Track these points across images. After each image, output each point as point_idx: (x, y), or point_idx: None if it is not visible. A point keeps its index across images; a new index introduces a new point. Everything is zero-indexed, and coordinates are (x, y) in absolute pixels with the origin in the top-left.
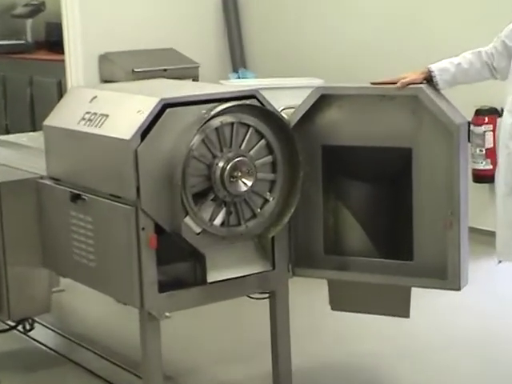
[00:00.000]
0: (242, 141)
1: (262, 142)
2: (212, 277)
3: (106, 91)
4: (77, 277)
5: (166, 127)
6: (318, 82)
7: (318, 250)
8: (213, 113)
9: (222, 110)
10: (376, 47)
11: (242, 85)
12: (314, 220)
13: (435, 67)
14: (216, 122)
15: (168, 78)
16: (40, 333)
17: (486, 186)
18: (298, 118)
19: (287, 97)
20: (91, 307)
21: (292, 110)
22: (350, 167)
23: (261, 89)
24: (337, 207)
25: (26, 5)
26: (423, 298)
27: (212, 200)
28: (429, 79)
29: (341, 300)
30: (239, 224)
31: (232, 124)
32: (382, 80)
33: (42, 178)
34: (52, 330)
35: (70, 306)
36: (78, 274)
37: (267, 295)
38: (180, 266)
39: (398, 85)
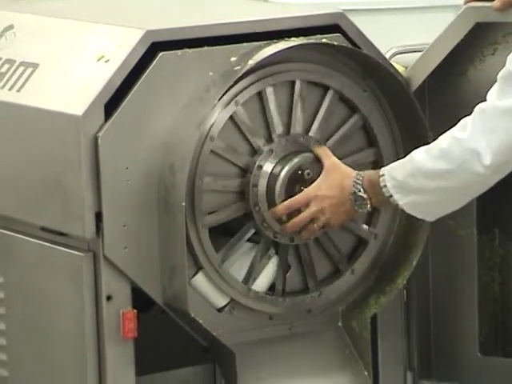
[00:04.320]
0: (313, 119)
1: (355, 121)
2: None
3: (31, 15)
4: None
5: (155, 90)
6: None
7: (467, 347)
8: (252, 62)
9: (270, 57)
10: None
11: (310, 4)
12: (458, 286)
13: None
14: (258, 80)
15: None
16: None
17: None
18: (429, 73)
19: (402, 28)
20: None
21: (415, 54)
22: None
23: (351, 11)
24: (508, 258)
25: None
26: None
27: (250, 241)
28: None
29: None
30: (306, 290)
31: (291, 85)
32: None
33: None
34: None
35: None
36: None
37: None
38: (183, 374)
39: (496, 3)
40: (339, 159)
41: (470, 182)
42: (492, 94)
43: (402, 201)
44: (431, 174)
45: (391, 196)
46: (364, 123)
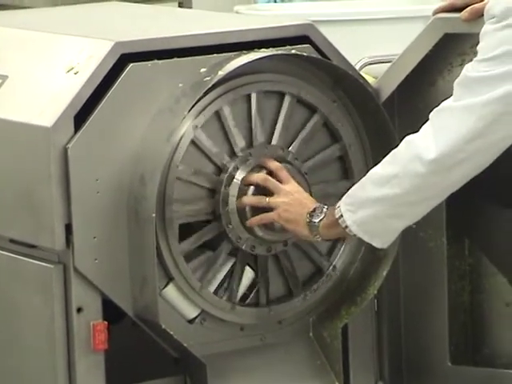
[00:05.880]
0: (282, 128)
1: (323, 131)
2: None
3: (0, 27)
4: None
5: (124, 101)
6: (432, 6)
7: (438, 357)
8: (222, 73)
9: (240, 67)
10: None
11: (280, 15)
12: (429, 295)
13: None
14: (229, 91)
15: (128, 0)
16: None
17: None
18: (398, 84)
19: (372, 38)
20: None
21: (384, 65)
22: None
23: (320, 22)
24: (477, 267)
25: None
26: None
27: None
28: None
29: None
30: (276, 300)
31: (262, 95)
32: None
33: None
34: None
35: None
36: None
37: None
38: None
39: (464, 14)
40: (310, 172)
41: (413, 187)
42: (448, 100)
43: (351, 219)
44: (379, 180)
45: (343, 219)
46: (333, 132)
